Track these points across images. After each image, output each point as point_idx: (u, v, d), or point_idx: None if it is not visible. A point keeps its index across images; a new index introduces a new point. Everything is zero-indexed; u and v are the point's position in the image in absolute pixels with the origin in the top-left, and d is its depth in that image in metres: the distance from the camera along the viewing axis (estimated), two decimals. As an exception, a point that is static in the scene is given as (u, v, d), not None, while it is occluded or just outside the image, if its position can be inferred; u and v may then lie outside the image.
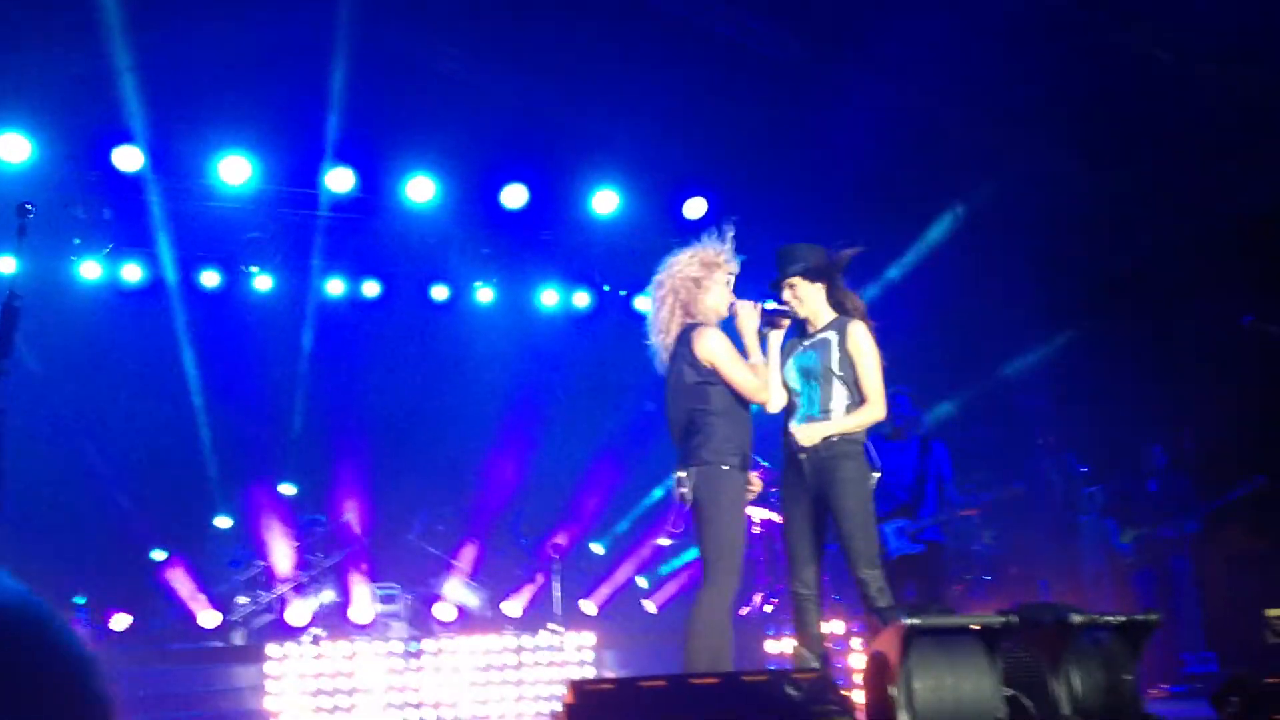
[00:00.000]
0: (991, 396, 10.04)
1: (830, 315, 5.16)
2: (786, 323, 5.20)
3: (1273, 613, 7.51)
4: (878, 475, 5.02)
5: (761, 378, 4.91)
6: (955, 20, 7.44)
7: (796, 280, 5.15)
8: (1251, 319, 6.14)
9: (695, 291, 4.96)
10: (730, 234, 5.09)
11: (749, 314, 5.01)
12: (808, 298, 5.16)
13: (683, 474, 4.85)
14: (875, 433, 7.27)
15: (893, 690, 3.68)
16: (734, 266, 5.04)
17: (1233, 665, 6.78)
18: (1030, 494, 8.50)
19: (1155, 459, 8.50)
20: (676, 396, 4.96)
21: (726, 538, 4.75)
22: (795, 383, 5.12)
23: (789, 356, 5.17)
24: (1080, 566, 8.98)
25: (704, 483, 4.79)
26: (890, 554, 7.17)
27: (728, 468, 4.79)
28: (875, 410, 5.00)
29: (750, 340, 4.97)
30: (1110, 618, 3.96)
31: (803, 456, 5.00)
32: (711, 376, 4.86)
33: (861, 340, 5.05)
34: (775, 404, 5.12)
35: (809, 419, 5.02)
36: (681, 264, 5.01)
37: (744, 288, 5.19)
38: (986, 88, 8.11)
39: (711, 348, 4.86)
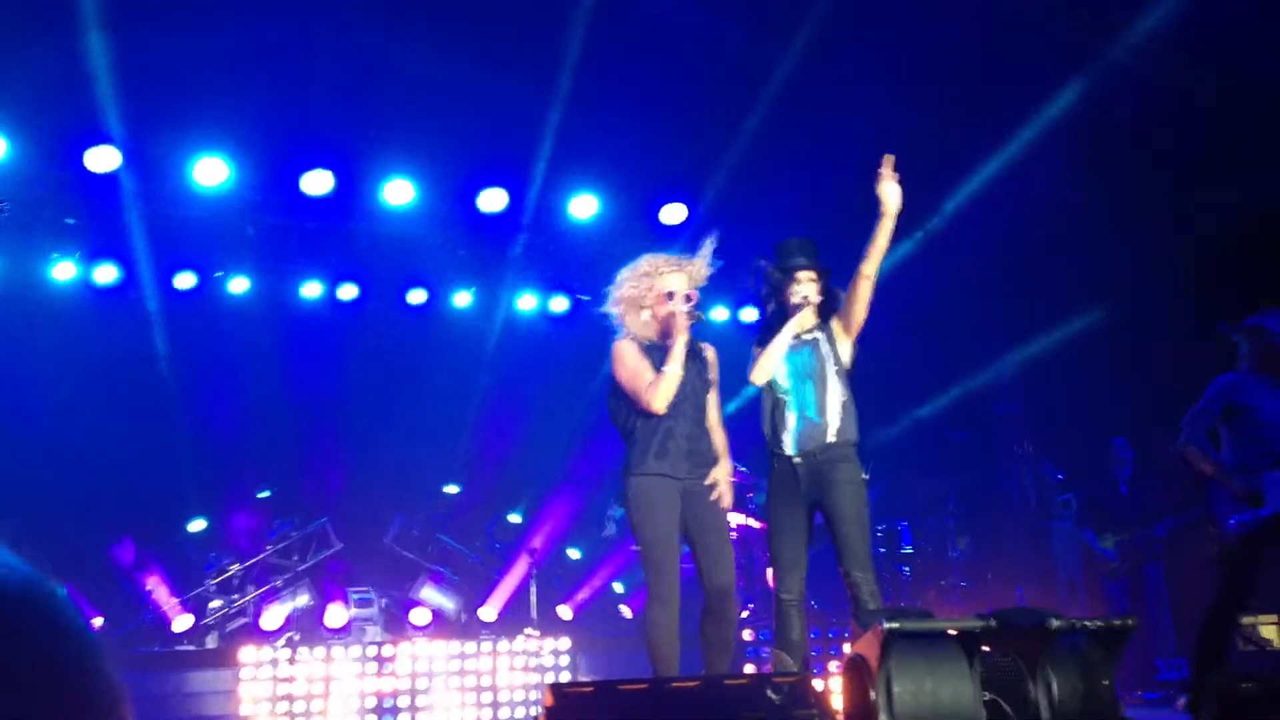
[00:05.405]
0: (967, 403, 10.09)
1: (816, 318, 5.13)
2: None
3: (1246, 620, 7.57)
4: (866, 477, 5.01)
5: (664, 383, 4.80)
6: (940, 29, 7.49)
7: (820, 275, 5.10)
8: (1225, 324, 6.15)
9: (626, 306, 5.03)
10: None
11: (678, 316, 4.86)
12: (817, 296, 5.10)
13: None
14: (1251, 373, 5.84)
15: (872, 694, 3.68)
16: (671, 274, 4.96)
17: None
18: (1005, 500, 8.53)
19: (1119, 451, 8.48)
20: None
21: (640, 542, 4.87)
22: (787, 383, 5.01)
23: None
24: (1055, 573, 9.02)
25: (625, 494, 4.94)
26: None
27: (635, 476, 4.88)
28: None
29: (677, 346, 4.83)
30: (1088, 622, 3.96)
31: (797, 461, 4.94)
32: (620, 389, 4.98)
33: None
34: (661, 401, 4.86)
35: (806, 421, 4.96)
36: (619, 280, 5.08)
37: (724, 293, 5.17)
38: (970, 98, 8.15)
39: (613, 359, 4.98)
